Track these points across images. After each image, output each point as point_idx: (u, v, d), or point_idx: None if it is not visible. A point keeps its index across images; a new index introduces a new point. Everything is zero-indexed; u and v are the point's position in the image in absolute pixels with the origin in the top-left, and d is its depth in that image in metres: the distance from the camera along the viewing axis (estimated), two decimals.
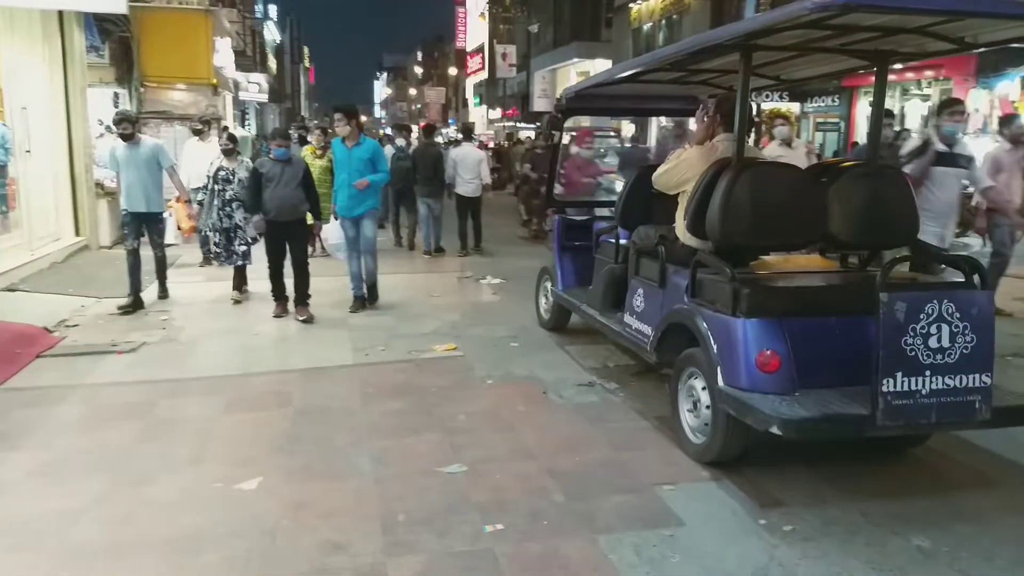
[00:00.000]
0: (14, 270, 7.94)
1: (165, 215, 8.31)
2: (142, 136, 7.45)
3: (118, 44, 14.92)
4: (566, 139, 10.58)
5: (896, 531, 3.29)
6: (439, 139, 14.99)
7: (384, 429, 4.37)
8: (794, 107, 17.30)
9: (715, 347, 3.74)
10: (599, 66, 31.44)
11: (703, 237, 4.07)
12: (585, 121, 16.20)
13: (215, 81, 16.53)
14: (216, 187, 7.59)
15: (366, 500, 3.51)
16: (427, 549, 3.10)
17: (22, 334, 5.97)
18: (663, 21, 25.41)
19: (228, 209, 7.59)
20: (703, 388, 3.90)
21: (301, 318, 6.78)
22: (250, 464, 3.87)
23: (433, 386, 5.13)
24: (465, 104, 55.92)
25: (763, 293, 3.69)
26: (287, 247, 6.88)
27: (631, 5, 26.82)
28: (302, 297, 6.91)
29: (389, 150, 10.97)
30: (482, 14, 45.37)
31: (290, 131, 9.32)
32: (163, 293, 7.61)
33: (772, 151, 7.76)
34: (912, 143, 5.85)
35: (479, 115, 48.58)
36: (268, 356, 5.85)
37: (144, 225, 7.24)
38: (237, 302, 7.51)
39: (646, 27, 26.36)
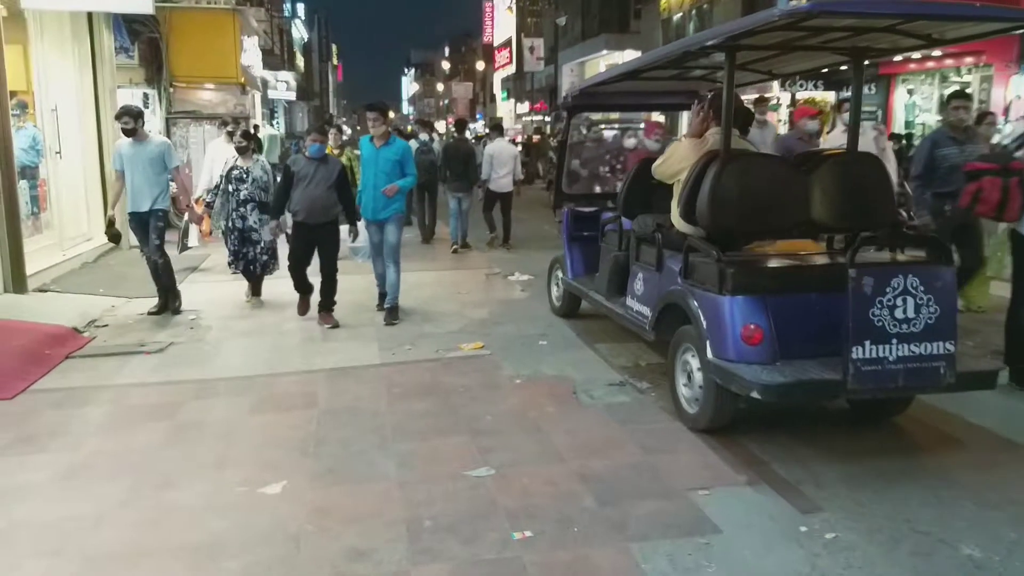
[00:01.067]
0: (46, 271, 8.02)
1: (186, 218, 8.23)
2: (150, 133, 7.07)
3: (147, 45, 15.01)
4: (599, 131, 10.44)
5: (943, 539, 3.13)
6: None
7: (410, 431, 4.29)
8: (829, 96, 16.90)
9: (704, 323, 4.08)
10: (628, 58, 31.11)
11: (695, 224, 4.37)
12: (599, 115, 15.94)
13: (243, 80, 16.58)
14: (229, 187, 7.17)
15: (391, 505, 3.43)
16: (453, 557, 3.01)
17: (52, 335, 5.99)
18: (693, 11, 25.04)
19: (242, 210, 7.14)
20: (697, 366, 4.19)
21: (327, 325, 6.51)
22: (274, 467, 3.82)
23: (460, 386, 5.05)
24: (493, 99, 55.81)
25: (746, 273, 4.01)
26: (316, 251, 6.56)
27: None
28: (327, 303, 6.64)
29: (413, 144, 11.00)
30: (509, 8, 45.20)
31: (327, 127, 8.96)
32: (174, 305, 6.97)
33: (837, 138, 7.46)
34: (1019, 128, 5.38)
35: (507, 109, 48.45)
36: (295, 356, 5.80)
37: (146, 225, 6.79)
38: (254, 305, 7.25)
39: (676, 17, 26.00)
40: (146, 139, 6.82)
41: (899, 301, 3.52)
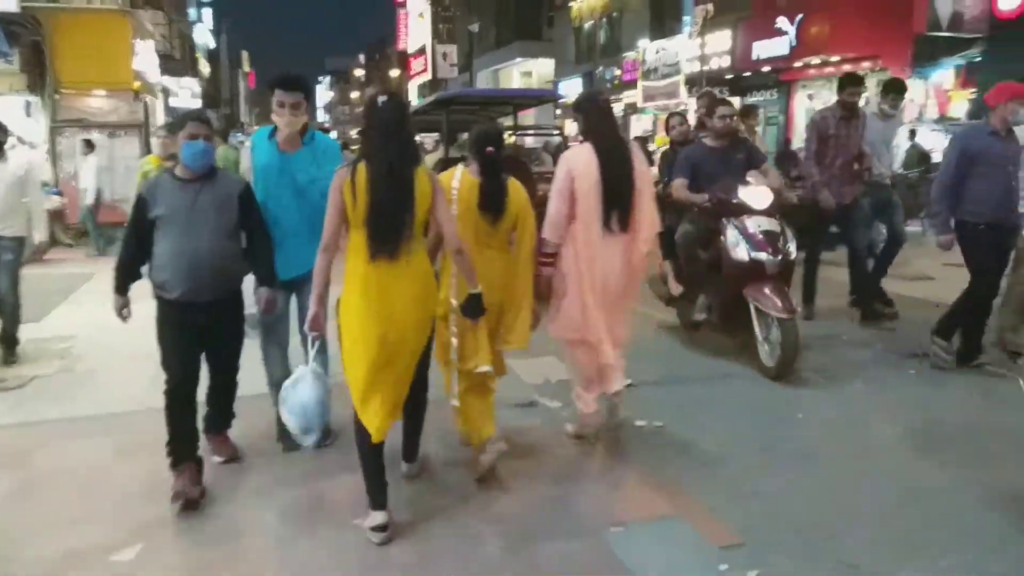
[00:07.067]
0: None
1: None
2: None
3: (29, 49, 14.07)
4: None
5: (878, 572, 2.92)
6: None
7: (294, 475, 3.83)
8: (735, 100, 17.27)
9: None
10: (541, 65, 31.15)
11: None
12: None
13: (136, 86, 15.67)
14: None
15: (265, 569, 3.00)
16: None
17: None
18: (603, 19, 25.23)
19: None
20: None
21: (219, 459, 3.92)
22: (134, 525, 3.32)
23: (348, 416, 4.61)
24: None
25: None
26: (206, 348, 3.66)
27: (571, 4, 26.60)
28: (224, 419, 4.02)
29: None
30: (421, 14, 44.76)
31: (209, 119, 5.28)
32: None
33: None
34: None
35: None
36: None
37: None
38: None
39: (587, 25, 26.15)
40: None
41: None
